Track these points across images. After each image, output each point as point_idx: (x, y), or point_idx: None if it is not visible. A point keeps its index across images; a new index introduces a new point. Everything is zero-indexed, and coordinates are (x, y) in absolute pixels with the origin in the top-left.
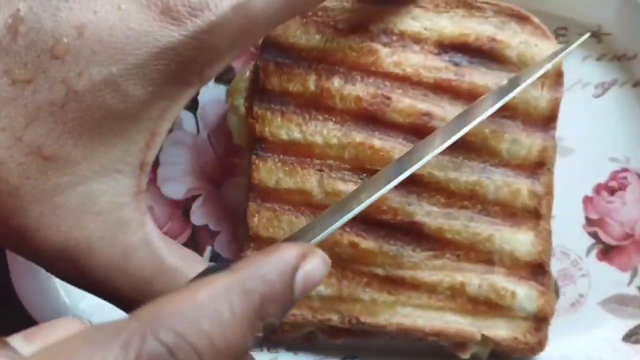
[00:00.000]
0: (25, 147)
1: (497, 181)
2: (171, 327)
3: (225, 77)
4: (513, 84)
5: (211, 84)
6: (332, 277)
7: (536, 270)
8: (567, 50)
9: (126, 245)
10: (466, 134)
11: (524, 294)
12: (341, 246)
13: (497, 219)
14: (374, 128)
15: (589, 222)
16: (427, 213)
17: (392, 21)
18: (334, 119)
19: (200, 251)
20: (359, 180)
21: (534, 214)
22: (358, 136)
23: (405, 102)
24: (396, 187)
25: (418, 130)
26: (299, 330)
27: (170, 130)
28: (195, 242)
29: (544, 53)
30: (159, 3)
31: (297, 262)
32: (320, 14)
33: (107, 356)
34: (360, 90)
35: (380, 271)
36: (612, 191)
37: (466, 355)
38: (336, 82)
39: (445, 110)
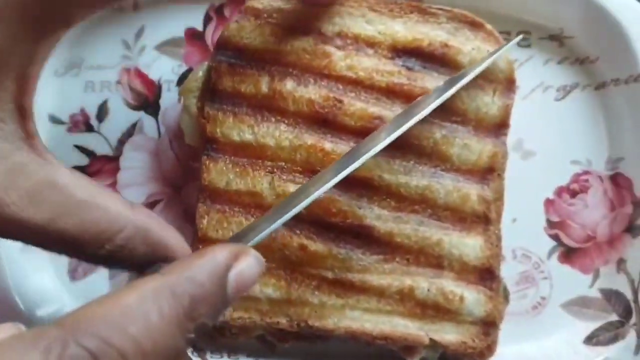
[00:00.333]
0: None
1: (447, 186)
2: (95, 332)
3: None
4: (453, 82)
5: (173, 87)
6: (281, 280)
7: (485, 275)
8: (505, 48)
9: (28, 187)
10: (416, 138)
11: (472, 298)
12: (290, 249)
13: (446, 223)
14: (326, 131)
15: (551, 224)
16: (377, 216)
17: (346, 25)
18: (286, 121)
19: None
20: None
21: (483, 219)
22: (310, 139)
23: (357, 106)
24: (346, 190)
25: (369, 134)
26: (248, 334)
27: (131, 135)
28: None
29: (495, 59)
30: None
31: (229, 263)
32: (275, 15)
33: None
34: (312, 93)
35: (329, 274)
36: (574, 194)
37: None
38: (289, 85)
39: (397, 114)
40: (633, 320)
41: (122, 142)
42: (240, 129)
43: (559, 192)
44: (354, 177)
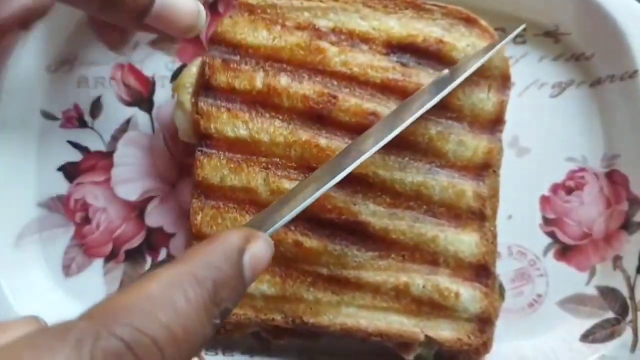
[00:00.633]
0: None
1: (442, 182)
2: (126, 321)
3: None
4: (450, 77)
5: (167, 83)
6: (276, 277)
7: (480, 271)
8: (503, 42)
9: None
10: (412, 135)
11: (467, 295)
12: (285, 245)
13: (442, 219)
14: (320, 127)
15: (546, 221)
16: (373, 213)
17: (340, 20)
18: (280, 117)
19: (155, 253)
20: (305, 179)
21: (479, 216)
22: (304, 135)
23: (352, 102)
24: (341, 187)
25: (364, 130)
26: (242, 331)
27: (125, 131)
28: (150, 244)
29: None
30: None
31: (242, 245)
32: (269, 11)
33: (56, 358)
34: (307, 88)
35: (324, 271)
36: (569, 191)
37: (410, 357)
38: (283, 80)
39: (391, 110)
40: (629, 317)
41: (116, 138)
42: (234, 124)
43: (555, 189)
44: (349, 173)
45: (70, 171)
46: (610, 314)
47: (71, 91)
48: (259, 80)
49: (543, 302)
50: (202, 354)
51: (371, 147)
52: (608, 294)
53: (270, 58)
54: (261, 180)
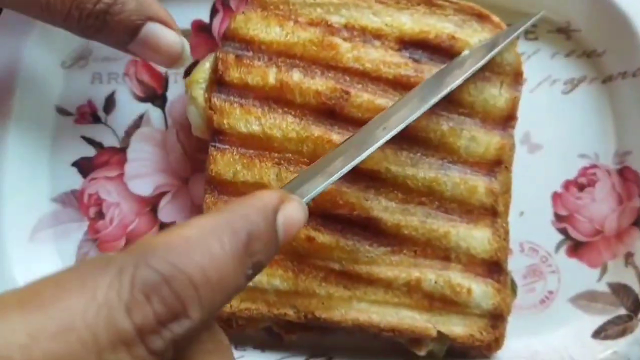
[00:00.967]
0: None
1: (454, 178)
2: (164, 257)
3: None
4: (458, 67)
5: (180, 79)
6: (289, 272)
7: (492, 267)
8: (520, 30)
9: None
10: (423, 130)
11: (479, 291)
12: (298, 240)
13: (454, 215)
14: (333, 122)
15: (558, 218)
16: (385, 208)
17: (353, 16)
18: (293, 113)
19: None
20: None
21: (491, 212)
22: (316, 130)
23: (364, 97)
24: (353, 182)
25: None
26: (255, 325)
27: (138, 126)
28: None
29: (503, 51)
30: None
31: (277, 204)
32: (281, 7)
33: (99, 284)
34: (319, 84)
35: (336, 266)
36: (581, 187)
37: (422, 353)
38: (296, 76)
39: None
40: None
41: (129, 133)
42: (247, 120)
43: (567, 185)
44: (360, 169)
45: (84, 166)
46: (622, 311)
47: (85, 87)
48: (271, 76)
49: (555, 298)
50: None
51: (398, 124)
52: (620, 290)
53: (283, 54)
54: (273, 175)
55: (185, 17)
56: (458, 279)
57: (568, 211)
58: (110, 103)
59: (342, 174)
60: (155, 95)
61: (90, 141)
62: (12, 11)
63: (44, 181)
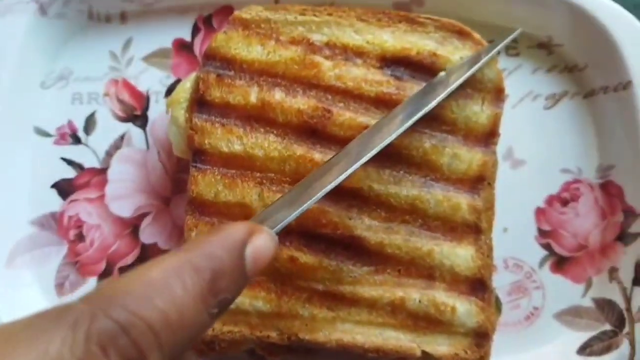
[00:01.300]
0: None
1: (437, 195)
2: (122, 304)
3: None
4: (446, 81)
5: (161, 99)
6: (271, 293)
7: (476, 285)
8: (499, 47)
9: None
10: (406, 148)
11: (464, 309)
12: (280, 261)
13: (437, 233)
14: (315, 141)
15: (542, 233)
16: (368, 227)
17: (334, 34)
18: (275, 132)
19: None
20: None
21: (474, 229)
22: (299, 149)
23: (346, 116)
24: (336, 201)
25: None
26: (237, 348)
27: (119, 147)
28: (144, 261)
29: (484, 68)
30: None
31: (245, 238)
32: (263, 26)
33: (52, 338)
34: (301, 103)
35: (320, 286)
36: (565, 202)
37: None
38: (278, 95)
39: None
40: (626, 329)
41: (110, 154)
42: (228, 140)
43: (550, 200)
44: (343, 187)
45: (64, 188)
46: (607, 326)
47: (65, 107)
48: (253, 95)
49: (540, 315)
50: None
51: (379, 143)
52: (604, 305)
53: (265, 73)
54: (256, 195)
55: (166, 36)
56: (442, 297)
57: (552, 226)
58: (90, 123)
59: (319, 197)
60: (136, 115)
61: (70, 162)
62: None
63: (22, 203)
